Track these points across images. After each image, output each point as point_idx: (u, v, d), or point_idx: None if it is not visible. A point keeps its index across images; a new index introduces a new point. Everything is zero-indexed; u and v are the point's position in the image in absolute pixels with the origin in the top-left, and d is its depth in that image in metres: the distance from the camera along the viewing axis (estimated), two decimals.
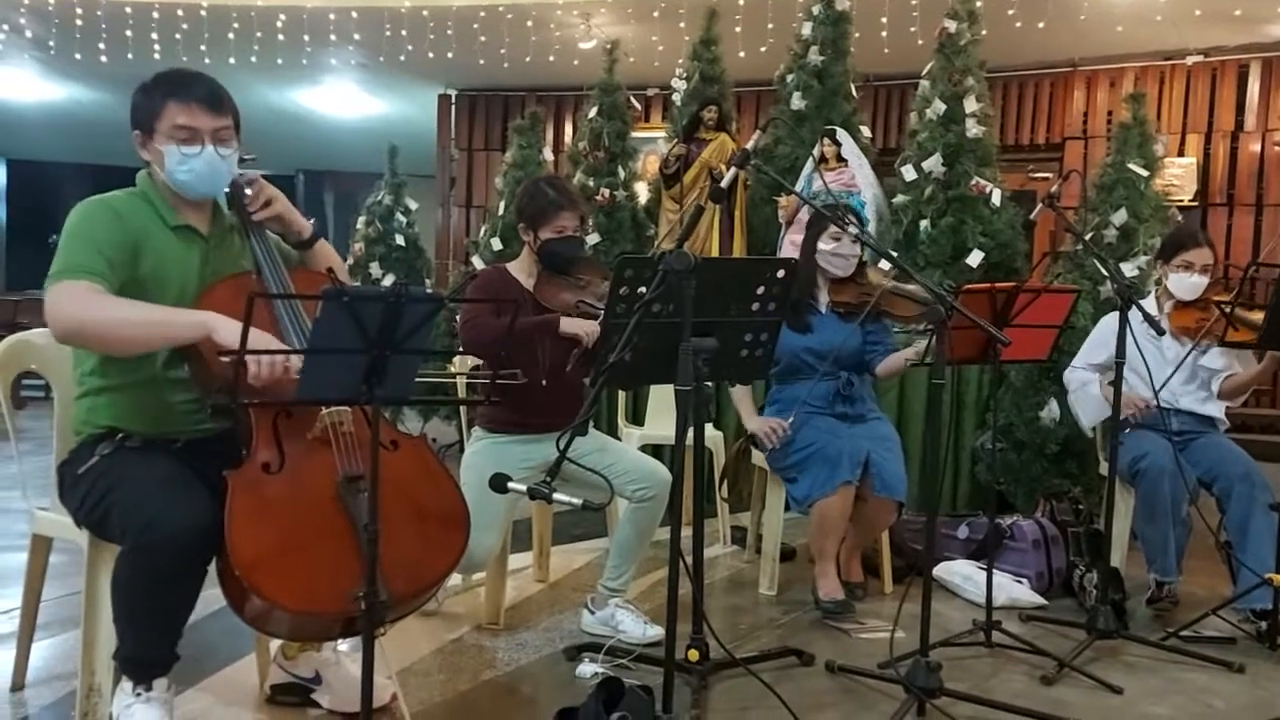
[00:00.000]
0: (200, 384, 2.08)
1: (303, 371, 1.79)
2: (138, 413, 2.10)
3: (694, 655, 2.46)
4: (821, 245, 3.36)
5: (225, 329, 1.89)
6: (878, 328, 3.39)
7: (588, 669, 2.69)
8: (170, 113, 2.08)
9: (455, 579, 3.30)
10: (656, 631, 2.89)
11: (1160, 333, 3.08)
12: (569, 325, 2.83)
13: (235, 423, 2.07)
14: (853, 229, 2.92)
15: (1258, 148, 7.49)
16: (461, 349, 3.20)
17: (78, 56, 7.95)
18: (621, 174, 5.74)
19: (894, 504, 3.28)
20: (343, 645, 2.45)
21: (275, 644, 2.40)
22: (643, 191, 6.05)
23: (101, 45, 7.76)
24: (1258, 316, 3.15)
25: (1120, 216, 4.48)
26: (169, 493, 1.92)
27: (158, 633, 1.95)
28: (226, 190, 2.20)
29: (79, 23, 7.54)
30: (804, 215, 5.03)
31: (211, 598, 1.98)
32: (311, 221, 2.32)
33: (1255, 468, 3.25)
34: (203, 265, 2.16)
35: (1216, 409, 3.51)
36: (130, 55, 7.81)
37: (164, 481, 1.96)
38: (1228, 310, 3.09)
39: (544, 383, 2.87)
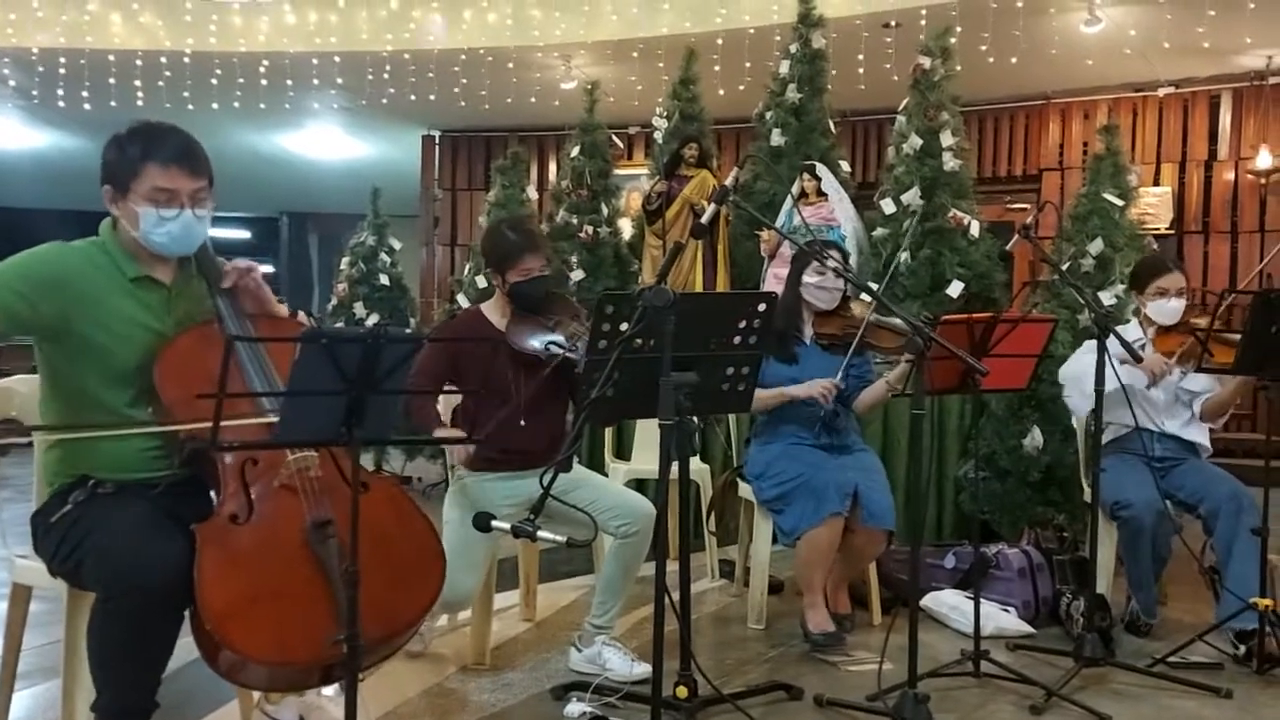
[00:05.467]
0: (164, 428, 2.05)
1: (281, 414, 1.79)
2: (104, 460, 2.07)
3: (682, 692, 2.45)
4: (806, 278, 3.40)
5: None
6: (859, 361, 3.41)
7: (575, 708, 2.66)
8: (149, 175, 2.03)
9: (441, 619, 3.28)
10: (644, 669, 2.86)
11: (1139, 360, 3.11)
12: (442, 433, 2.82)
13: (205, 468, 2.05)
14: (833, 264, 2.94)
15: (1231, 176, 7.61)
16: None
17: (61, 104, 7.98)
18: (604, 211, 5.80)
19: (883, 534, 3.28)
20: (326, 690, 2.42)
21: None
22: (626, 228, 6.10)
23: (85, 93, 7.79)
24: (1236, 336, 3.19)
25: (1096, 246, 4.53)
26: (141, 541, 1.89)
27: (135, 682, 1.91)
28: None
29: (62, 70, 7.59)
30: (786, 249, 5.08)
31: (192, 644, 1.96)
32: (283, 302, 2.27)
33: (1242, 488, 3.27)
34: (167, 313, 2.13)
35: (1200, 434, 3.53)
36: (113, 102, 7.84)
37: (136, 529, 1.92)
38: (1203, 336, 3.12)
39: (522, 422, 2.88)
